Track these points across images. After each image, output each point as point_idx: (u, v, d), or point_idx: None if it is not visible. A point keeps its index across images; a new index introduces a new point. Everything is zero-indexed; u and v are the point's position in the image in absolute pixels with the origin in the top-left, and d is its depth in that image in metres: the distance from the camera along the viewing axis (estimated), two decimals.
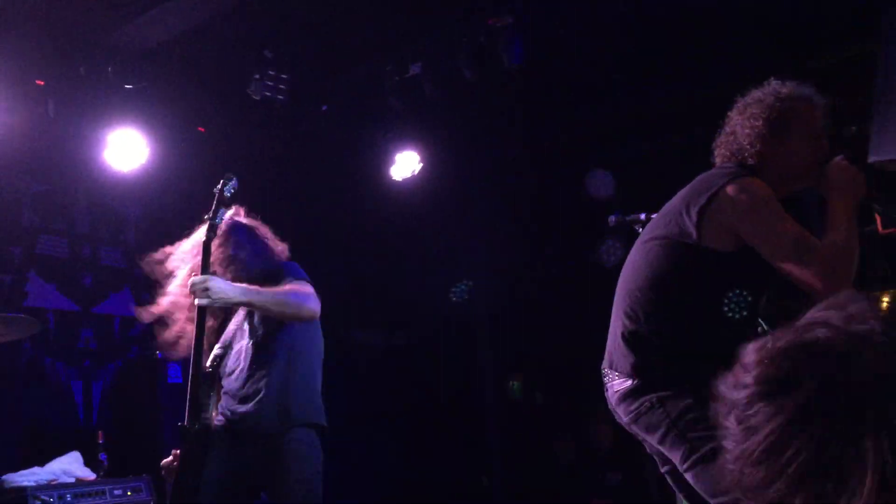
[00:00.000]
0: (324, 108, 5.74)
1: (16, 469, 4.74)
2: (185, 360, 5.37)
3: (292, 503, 3.17)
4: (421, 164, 6.05)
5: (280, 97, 5.21)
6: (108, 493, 4.76)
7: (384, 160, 6.08)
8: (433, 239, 6.79)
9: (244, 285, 3.20)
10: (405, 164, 6.03)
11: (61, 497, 4.54)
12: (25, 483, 4.58)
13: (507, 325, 7.14)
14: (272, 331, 3.33)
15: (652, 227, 2.61)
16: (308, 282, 3.34)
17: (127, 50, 5.06)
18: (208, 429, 3.26)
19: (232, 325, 3.48)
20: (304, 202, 6.26)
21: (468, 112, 5.96)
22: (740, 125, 2.54)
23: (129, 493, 4.84)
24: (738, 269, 2.43)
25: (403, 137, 6.06)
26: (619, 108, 5.77)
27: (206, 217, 3.26)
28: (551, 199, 6.58)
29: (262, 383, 3.26)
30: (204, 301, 3.06)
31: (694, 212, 2.41)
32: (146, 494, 4.91)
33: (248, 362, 3.32)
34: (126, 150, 5.48)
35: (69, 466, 4.89)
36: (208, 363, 3.35)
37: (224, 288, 3.10)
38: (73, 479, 4.78)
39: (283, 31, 5.15)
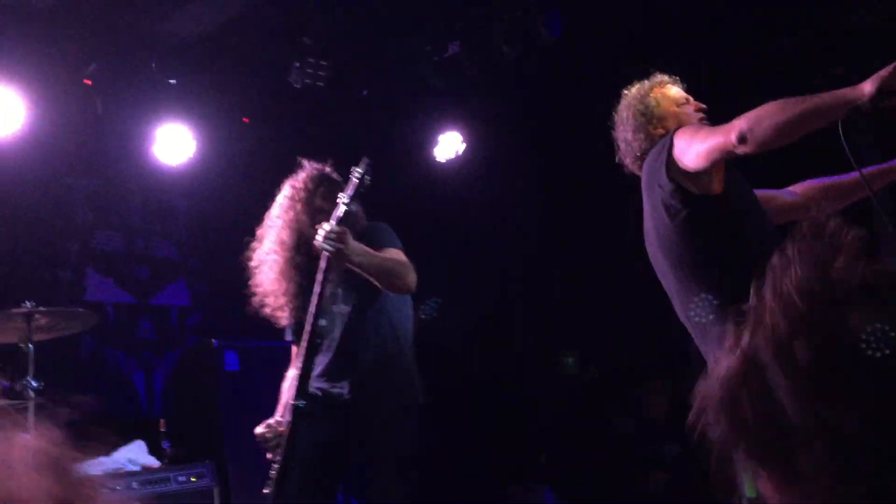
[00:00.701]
0: (364, 92, 5.76)
1: (84, 460, 4.89)
2: (242, 349, 5.49)
3: (386, 479, 3.17)
4: (464, 144, 6.05)
5: (320, 84, 5.24)
6: (172, 480, 4.88)
7: (427, 142, 6.09)
8: (480, 218, 6.78)
9: (365, 247, 3.13)
10: (448, 145, 6.03)
11: (128, 485, 4.68)
12: (94, 472, 4.72)
13: (558, 300, 7.12)
14: (368, 301, 3.29)
15: (648, 232, 2.73)
16: (402, 248, 3.30)
17: (169, 45, 5.14)
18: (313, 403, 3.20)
19: (319, 292, 3.34)
20: None
21: (509, 89, 5.92)
22: (625, 134, 2.82)
23: (192, 479, 4.96)
24: (739, 203, 2.55)
25: (445, 118, 6.05)
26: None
27: (341, 199, 3.13)
28: (598, 171, 6.52)
29: (357, 355, 3.24)
30: (330, 247, 2.99)
31: (664, 181, 2.53)
32: (209, 480, 5.03)
33: (341, 332, 3.28)
34: (174, 144, 5.58)
35: (134, 455, 5.02)
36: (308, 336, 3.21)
37: (353, 248, 3.04)
38: (138, 467, 4.92)
39: (321, 17, 5.18)
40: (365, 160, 3.14)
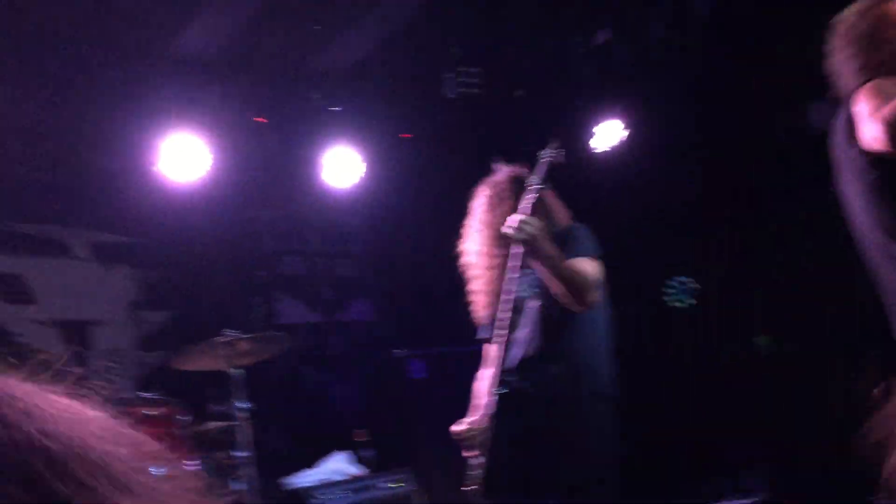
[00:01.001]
0: (518, 92, 5.79)
1: (291, 472, 5.21)
2: (427, 356, 5.66)
3: (587, 475, 3.16)
4: (626, 132, 5.93)
5: (474, 90, 5.32)
6: (376, 487, 5.11)
7: (584, 134, 6.02)
8: (650, 204, 6.62)
9: (558, 252, 3.09)
10: (607, 134, 5.93)
11: (335, 494, 4.94)
12: (303, 484, 5.02)
13: (747, 282, 6.83)
14: None
15: (842, 191, 2.56)
16: (598, 256, 3.24)
17: (327, 75, 5.39)
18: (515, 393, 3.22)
19: (511, 283, 3.34)
20: None
21: (664, 70, 5.75)
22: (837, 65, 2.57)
23: (395, 485, 5.17)
24: None
25: (601, 107, 5.97)
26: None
27: (529, 181, 3.16)
28: (767, 146, 6.21)
29: (552, 349, 3.22)
30: (517, 234, 3.00)
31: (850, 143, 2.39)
32: (410, 484, 5.22)
33: (536, 325, 3.26)
34: (342, 167, 5.84)
35: (338, 465, 5.29)
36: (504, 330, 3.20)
37: (544, 245, 3.02)
38: (343, 477, 5.18)
39: (466, 25, 5.26)
40: (554, 141, 3.11)
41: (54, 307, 5.46)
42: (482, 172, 3.60)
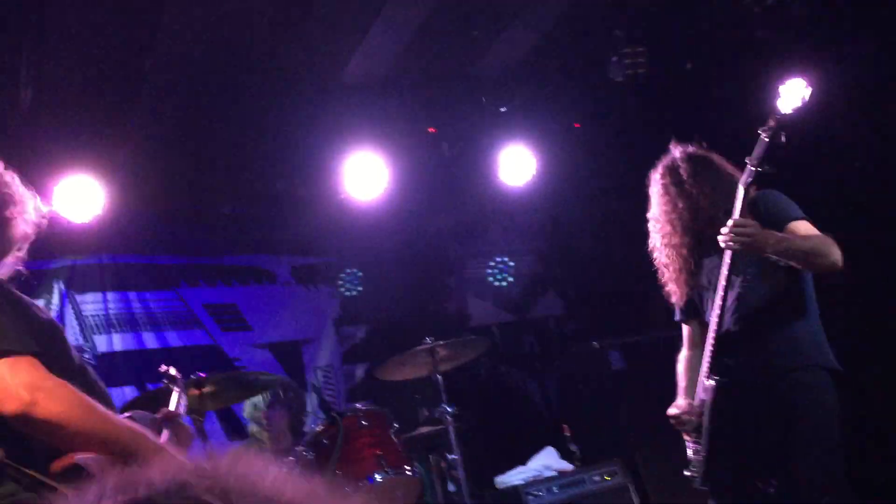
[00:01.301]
0: (688, 65, 5.58)
1: (502, 472, 5.29)
2: (623, 346, 5.58)
3: (809, 456, 3.01)
4: (809, 89, 5.56)
5: (640, 71, 5.18)
6: (587, 481, 5.09)
7: (766, 97, 5.70)
8: (843, 165, 6.17)
9: (779, 234, 3.01)
10: (791, 95, 5.59)
11: (549, 490, 4.96)
12: (516, 482, 5.09)
13: None
14: (768, 269, 3.15)
15: None
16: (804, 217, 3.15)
17: (492, 76, 5.44)
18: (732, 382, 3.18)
19: (710, 265, 3.32)
20: None
21: (847, 23, 5.35)
22: None
23: (606, 478, 5.13)
24: None
25: (781, 68, 5.63)
26: None
27: (749, 161, 3.07)
28: None
29: (762, 327, 3.14)
30: (735, 246, 2.98)
31: None
32: (622, 477, 5.15)
33: (744, 305, 3.17)
34: (516, 165, 5.87)
35: (547, 461, 5.32)
36: (715, 314, 3.16)
37: (765, 238, 2.96)
38: (554, 473, 5.19)
39: (626, 5, 5.14)
40: (773, 116, 3.02)
41: (267, 331, 5.86)
42: (659, 153, 3.52)
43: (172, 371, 2.85)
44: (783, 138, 2.98)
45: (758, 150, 3.02)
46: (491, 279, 6.94)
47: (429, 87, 5.41)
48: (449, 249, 6.88)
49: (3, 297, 1.93)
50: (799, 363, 3.08)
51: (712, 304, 3.19)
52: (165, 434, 2.19)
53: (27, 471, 1.79)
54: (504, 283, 5.97)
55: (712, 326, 3.12)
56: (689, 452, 3.33)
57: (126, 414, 2.08)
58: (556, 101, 5.75)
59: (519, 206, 6.85)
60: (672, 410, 3.31)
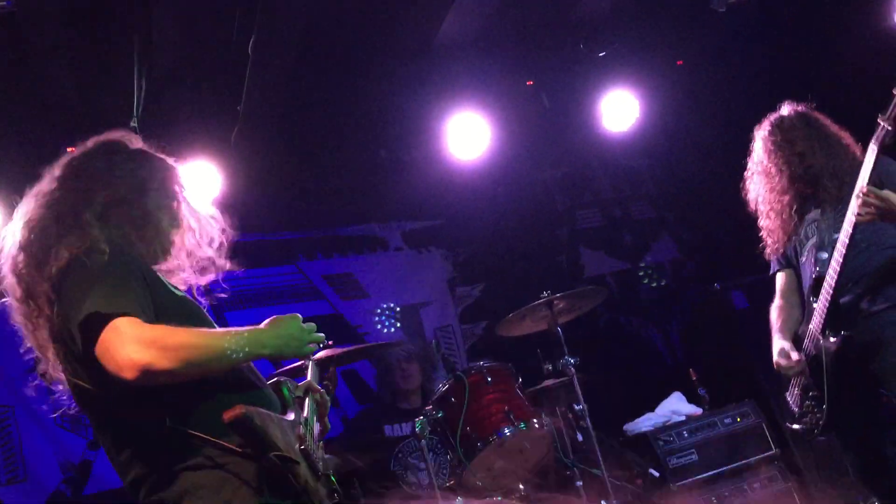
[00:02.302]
0: None
1: (632, 419, 5.27)
2: (746, 285, 5.43)
3: None
4: None
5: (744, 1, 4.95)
6: (718, 423, 5.01)
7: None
8: None
9: None
10: None
11: (679, 434, 4.92)
12: (645, 428, 5.06)
13: None
14: (886, 230, 3.14)
15: None
16: None
17: (590, 23, 5.32)
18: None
19: (811, 219, 3.35)
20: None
21: None
22: None
23: (738, 420, 5.04)
24: None
25: None
26: None
27: (881, 119, 2.94)
28: None
29: (878, 283, 3.11)
30: (867, 216, 2.94)
31: None
32: (755, 417, 5.05)
33: (846, 262, 3.10)
34: (619, 111, 5.75)
35: (676, 406, 5.26)
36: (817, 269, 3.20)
37: (889, 200, 2.90)
38: (683, 417, 5.14)
39: None
40: None
41: (384, 296, 5.99)
42: (765, 89, 3.44)
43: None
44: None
45: (894, 110, 2.88)
46: (603, 228, 6.86)
47: (524, 39, 5.34)
48: (557, 201, 6.84)
49: (126, 270, 1.96)
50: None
51: (813, 259, 3.22)
52: (307, 405, 2.24)
53: (192, 432, 1.86)
54: (617, 231, 5.82)
55: (829, 282, 3.09)
56: (796, 408, 3.32)
57: (273, 380, 2.16)
58: (656, 41, 5.58)
59: (624, 151, 6.73)
60: (782, 361, 3.33)
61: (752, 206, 3.53)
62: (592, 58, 5.47)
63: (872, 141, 2.95)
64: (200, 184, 4.77)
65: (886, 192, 2.90)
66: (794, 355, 3.28)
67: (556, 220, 6.77)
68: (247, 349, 1.92)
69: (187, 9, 4.24)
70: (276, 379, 2.18)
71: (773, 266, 3.58)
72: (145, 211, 2.16)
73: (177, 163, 2.40)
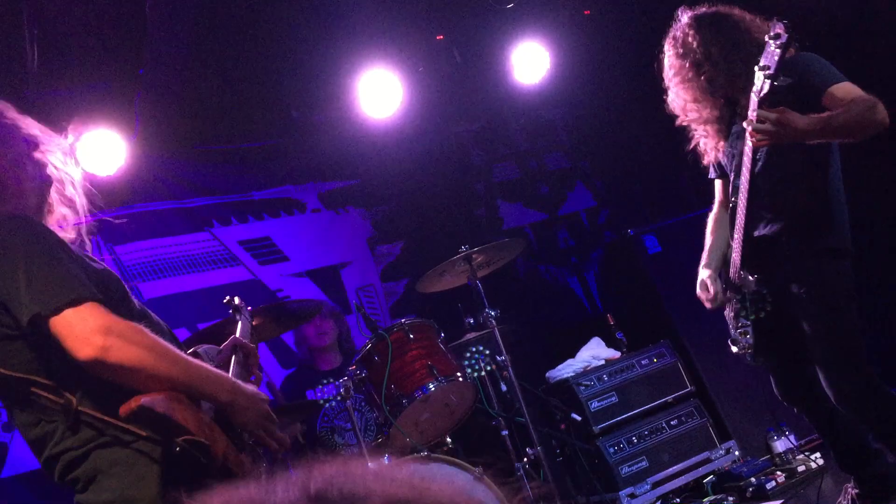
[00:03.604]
0: None
1: (553, 366, 5.39)
2: (657, 230, 5.57)
3: (820, 321, 3.06)
4: None
5: None
6: (636, 365, 5.18)
7: None
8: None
9: (814, 116, 2.77)
10: None
11: (599, 378, 5.06)
12: (566, 375, 5.19)
13: None
14: (783, 151, 3.03)
15: None
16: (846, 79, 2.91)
17: None
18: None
19: (737, 131, 3.19)
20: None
21: None
22: None
23: (654, 360, 5.21)
24: None
25: None
26: None
27: (761, 71, 2.75)
28: None
29: (780, 205, 3.10)
30: (762, 142, 2.80)
31: None
32: (670, 357, 5.23)
33: (764, 183, 3.08)
34: (530, 63, 5.77)
35: (595, 351, 5.41)
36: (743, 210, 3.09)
37: (794, 124, 2.72)
38: (601, 361, 5.29)
39: None
40: (779, 23, 2.70)
41: (303, 259, 5.94)
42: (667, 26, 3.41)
43: (237, 300, 2.93)
44: (788, 46, 2.69)
45: (767, 60, 2.73)
46: (519, 180, 6.91)
47: None
48: (473, 155, 6.85)
49: (60, 247, 1.93)
50: (816, 240, 3.07)
51: (731, 185, 3.18)
52: (234, 360, 2.25)
53: (101, 416, 1.85)
54: (533, 182, 5.84)
55: (740, 215, 3.07)
56: (732, 331, 3.38)
57: (191, 350, 2.13)
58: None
59: (537, 103, 6.77)
60: (701, 294, 3.34)
61: (681, 116, 3.33)
62: (501, 10, 5.45)
63: (753, 93, 2.79)
64: (104, 153, 4.61)
65: (777, 114, 2.72)
66: (711, 288, 3.30)
67: (472, 174, 6.79)
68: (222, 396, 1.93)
69: None
70: (193, 350, 2.16)
71: (710, 172, 3.48)
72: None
73: (76, 131, 2.30)
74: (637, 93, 6.09)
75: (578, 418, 4.81)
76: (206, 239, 5.65)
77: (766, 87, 2.75)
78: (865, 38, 5.20)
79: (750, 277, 3.20)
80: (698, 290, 3.37)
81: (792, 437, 4.83)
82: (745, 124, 2.86)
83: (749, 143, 2.90)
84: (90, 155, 4.61)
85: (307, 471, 0.63)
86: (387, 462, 3.58)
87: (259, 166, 5.92)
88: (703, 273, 3.37)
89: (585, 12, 5.97)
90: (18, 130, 2.11)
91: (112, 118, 4.65)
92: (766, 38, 2.73)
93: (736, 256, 3.21)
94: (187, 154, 5.53)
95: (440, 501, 0.63)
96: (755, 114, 2.77)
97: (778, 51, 2.69)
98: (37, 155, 2.11)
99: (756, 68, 2.77)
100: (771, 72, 2.72)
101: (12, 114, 2.14)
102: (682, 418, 5.06)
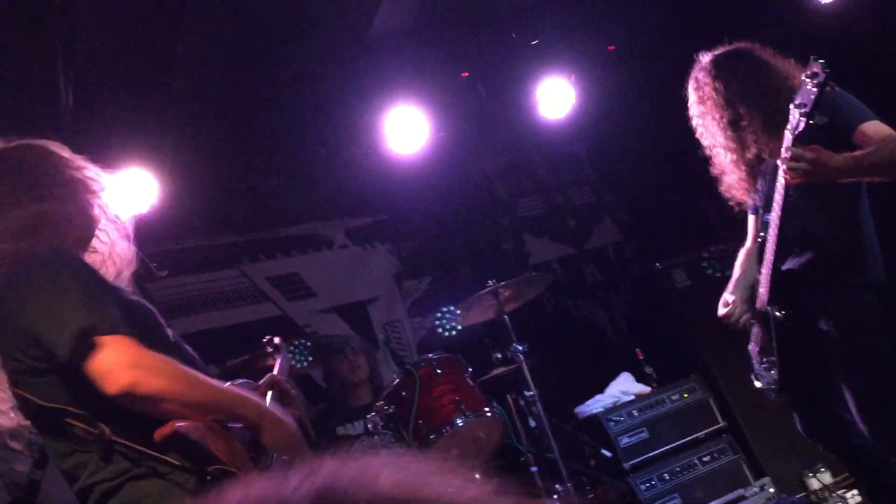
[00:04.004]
0: None
1: (582, 402, 5.34)
2: (686, 264, 5.53)
3: (852, 354, 3.02)
4: None
5: None
6: (667, 400, 5.12)
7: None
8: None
9: (847, 156, 2.80)
10: None
11: (629, 413, 5.00)
12: (595, 410, 5.14)
13: None
14: (818, 189, 3.02)
15: None
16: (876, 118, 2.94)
17: (521, 12, 5.35)
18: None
19: (765, 170, 3.21)
20: None
21: None
22: None
23: (685, 395, 5.15)
24: None
25: None
26: None
27: (797, 109, 2.78)
28: None
29: (811, 238, 3.09)
30: (795, 175, 2.80)
31: None
32: (701, 392, 5.17)
33: (795, 227, 3.06)
34: (555, 98, 5.80)
35: (624, 386, 5.35)
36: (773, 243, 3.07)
37: (828, 163, 2.76)
38: (632, 397, 5.23)
39: None
40: (817, 62, 2.71)
41: (331, 295, 5.96)
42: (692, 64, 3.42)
43: (276, 340, 2.96)
44: (829, 86, 2.69)
45: (804, 98, 2.74)
46: (545, 214, 6.92)
47: (457, 30, 5.35)
48: (498, 190, 6.87)
49: (96, 280, 1.98)
50: (849, 274, 3.05)
51: (760, 219, 3.18)
52: (270, 397, 2.27)
53: (135, 446, 1.86)
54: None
55: (769, 249, 3.07)
56: (756, 366, 3.35)
57: (228, 383, 2.15)
58: (587, 27, 5.64)
59: (563, 138, 6.79)
60: (721, 310, 3.33)
61: (711, 155, 3.35)
62: (526, 46, 5.50)
63: (787, 130, 2.81)
64: (137, 192, 4.69)
65: (812, 153, 2.74)
66: (732, 304, 3.29)
67: (498, 209, 6.81)
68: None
69: (110, 13, 4.14)
70: (231, 383, 2.17)
71: (749, 210, 3.46)
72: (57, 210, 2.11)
73: (110, 171, 2.34)
74: (660, 128, 6.12)
75: (609, 454, 4.75)
76: (235, 275, 5.70)
77: (802, 126, 2.75)
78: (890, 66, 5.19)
79: (777, 312, 3.17)
80: (720, 309, 3.35)
81: (827, 475, 4.74)
82: (778, 162, 2.86)
83: (782, 180, 2.89)
84: (123, 193, 4.68)
85: (318, 465, 0.63)
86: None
87: (287, 203, 5.98)
88: (728, 297, 3.36)
89: (610, 48, 6.01)
90: (74, 170, 2.16)
91: (143, 156, 4.73)
92: (803, 77, 2.74)
93: (763, 290, 3.19)
94: (216, 191, 5.60)
95: (450, 489, 0.64)
96: (790, 152, 2.77)
97: (815, 89, 2.70)
98: (89, 196, 2.16)
99: (791, 106, 2.78)
100: (807, 109, 2.73)
101: (67, 153, 2.20)
102: (715, 455, 4.98)
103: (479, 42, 5.51)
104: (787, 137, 2.80)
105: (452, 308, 5.22)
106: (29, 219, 2.01)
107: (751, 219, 3.50)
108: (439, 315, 5.78)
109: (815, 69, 2.71)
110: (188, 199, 5.44)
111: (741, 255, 3.48)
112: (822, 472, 4.72)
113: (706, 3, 5.67)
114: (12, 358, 1.92)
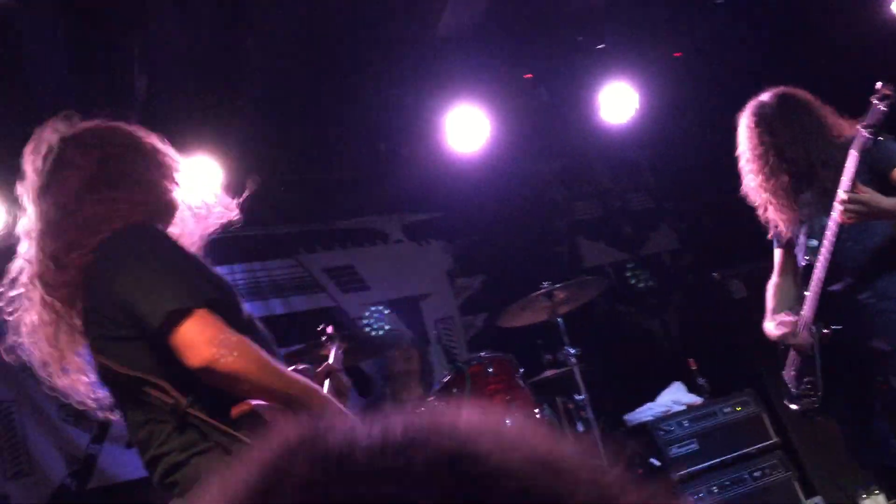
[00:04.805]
0: None
1: (631, 409, 5.30)
2: (743, 274, 5.45)
3: None
4: None
5: None
6: (718, 413, 5.05)
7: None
8: None
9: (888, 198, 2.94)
10: None
11: (679, 424, 4.95)
12: (645, 418, 5.10)
13: None
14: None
15: None
16: None
17: (587, 15, 5.33)
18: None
19: (805, 201, 3.29)
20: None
21: None
22: None
23: (738, 409, 5.07)
24: None
25: None
26: None
27: (863, 128, 2.99)
28: None
29: (864, 275, 3.13)
30: (849, 220, 2.95)
31: None
32: (755, 406, 5.08)
33: (846, 256, 3.13)
34: (617, 102, 5.75)
35: (676, 396, 5.30)
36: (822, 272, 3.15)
37: (880, 205, 2.92)
38: (683, 407, 5.17)
39: None
40: (886, 85, 2.89)
41: (384, 289, 6.01)
42: (763, 78, 3.43)
43: (330, 329, 3.02)
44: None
45: (873, 119, 2.93)
46: (601, 219, 6.89)
47: (522, 32, 5.35)
48: (556, 193, 6.86)
49: (185, 254, 2.05)
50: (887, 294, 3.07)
51: (804, 246, 3.23)
52: (327, 387, 2.32)
53: (208, 419, 1.91)
54: (616, 222, 5.85)
55: (819, 272, 3.11)
56: (793, 391, 3.36)
57: (292, 367, 2.20)
58: (654, 32, 5.59)
59: (623, 143, 6.73)
60: (777, 331, 3.36)
61: (752, 197, 3.47)
62: (590, 50, 5.48)
63: (853, 147, 2.95)
64: (202, 178, 4.79)
65: (867, 196, 2.89)
66: (788, 319, 3.31)
67: (554, 212, 6.79)
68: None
69: (186, 5, 4.24)
70: (295, 367, 2.23)
71: (774, 244, 3.56)
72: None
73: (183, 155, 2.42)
74: (723, 137, 6.02)
75: (658, 464, 4.71)
76: (293, 265, 5.79)
77: (853, 163, 2.91)
78: None
79: (824, 331, 3.17)
80: (774, 332, 3.39)
81: (882, 497, 4.63)
82: (836, 202, 2.96)
83: (835, 218, 2.99)
84: (191, 180, 4.78)
85: (450, 424, 0.57)
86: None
87: (345, 196, 6.05)
88: (772, 321, 3.42)
89: (676, 54, 5.94)
90: (159, 155, 2.23)
91: (209, 145, 4.83)
92: (872, 99, 2.92)
93: (808, 311, 3.20)
94: (277, 182, 5.69)
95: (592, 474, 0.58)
96: (847, 195, 2.91)
97: (885, 109, 2.89)
98: (171, 180, 2.23)
99: (859, 126, 2.95)
100: (874, 129, 2.91)
101: (153, 139, 2.27)
102: (766, 470, 4.90)
103: (544, 44, 5.50)
104: (845, 181, 2.92)
105: (381, 308, 5.25)
106: (121, 197, 2.08)
107: (777, 253, 3.54)
108: (367, 314, 5.80)
109: (887, 91, 2.90)
110: (249, 188, 5.53)
111: (770, 287, 3.54)
112: (877, 493, 4.61)
113: (773, 13, 5.58)
114: (100, 325, 1.99)
